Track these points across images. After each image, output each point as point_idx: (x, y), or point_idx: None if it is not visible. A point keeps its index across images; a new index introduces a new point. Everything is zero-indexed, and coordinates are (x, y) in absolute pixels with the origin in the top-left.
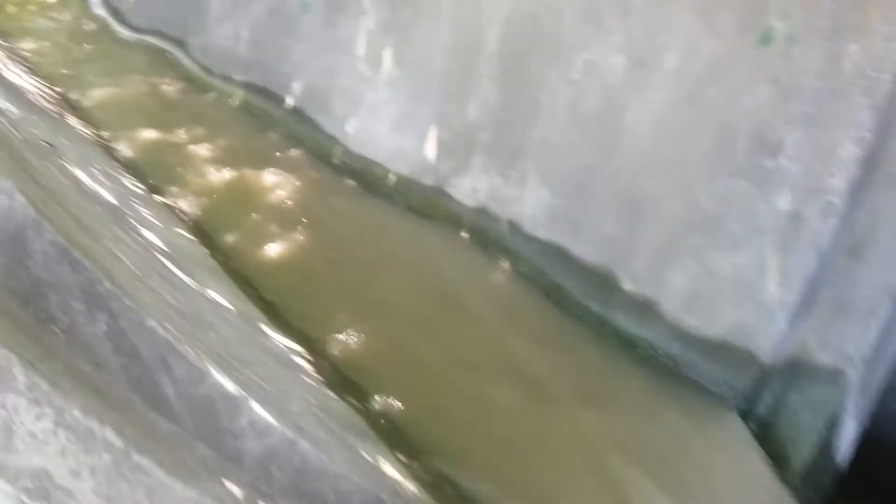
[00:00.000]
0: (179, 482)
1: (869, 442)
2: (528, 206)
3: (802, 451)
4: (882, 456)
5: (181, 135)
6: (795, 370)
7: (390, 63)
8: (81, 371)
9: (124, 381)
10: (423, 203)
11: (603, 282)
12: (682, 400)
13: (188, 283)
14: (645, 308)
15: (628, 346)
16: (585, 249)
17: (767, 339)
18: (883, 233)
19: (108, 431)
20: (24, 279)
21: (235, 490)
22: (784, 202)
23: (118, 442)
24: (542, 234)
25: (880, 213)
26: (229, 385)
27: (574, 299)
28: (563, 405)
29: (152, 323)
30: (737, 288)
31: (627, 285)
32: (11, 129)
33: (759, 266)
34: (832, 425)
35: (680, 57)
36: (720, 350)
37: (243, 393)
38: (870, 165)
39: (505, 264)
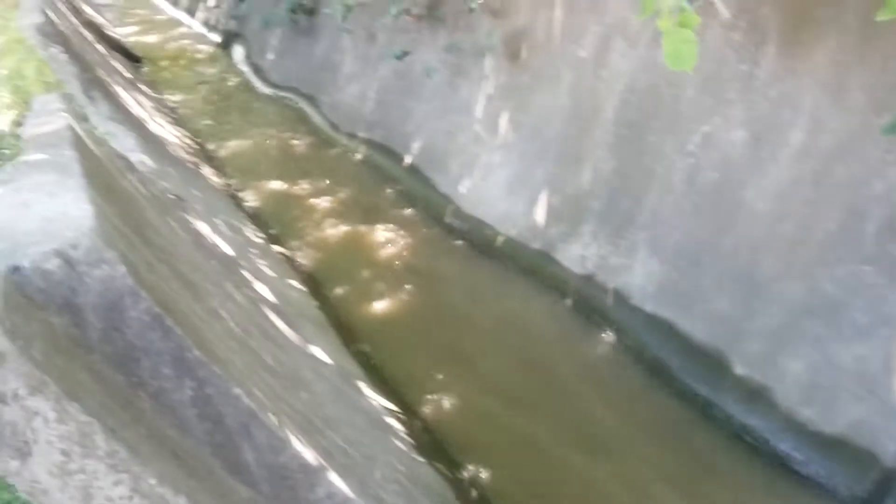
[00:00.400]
0: None
1: None
2: (637, 277)
3: None
4: None
5: (304, 187)
6: None
7: (506, 126)
8: (166, 435)
9: (207, 446)
10: (530, 267)
11: (712, 363)
12: (794, 499)
13: (290, 337)
14: (757, 395)
15: (736, 434)
16: (695, 327)
17: (892, 440)
18: None
19: (182, 500)
20: (120, 345)
21: None
22: None
23: None
24: (649, 307)
25: None
26: (309, 455)
27: (679, 378)
28: (661, 495)
29: (237, 390)
30: (859, 382)
31: (739, 369)
32: (139, 184)
33: (885, 360)
34: None
35: (805, 133)
36: (838, 448)
37: (323, 463)
38: None
39: (608, 336)
